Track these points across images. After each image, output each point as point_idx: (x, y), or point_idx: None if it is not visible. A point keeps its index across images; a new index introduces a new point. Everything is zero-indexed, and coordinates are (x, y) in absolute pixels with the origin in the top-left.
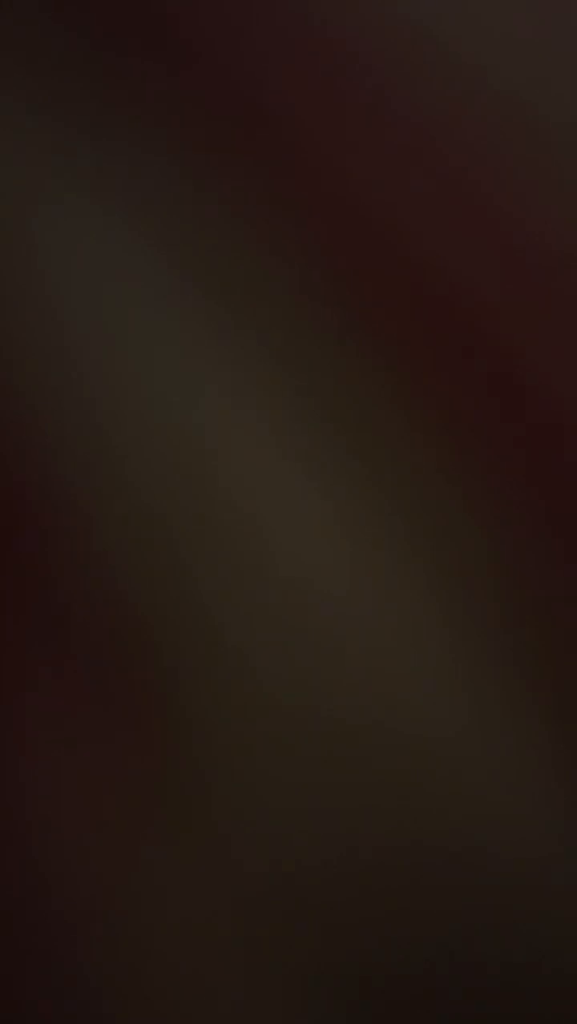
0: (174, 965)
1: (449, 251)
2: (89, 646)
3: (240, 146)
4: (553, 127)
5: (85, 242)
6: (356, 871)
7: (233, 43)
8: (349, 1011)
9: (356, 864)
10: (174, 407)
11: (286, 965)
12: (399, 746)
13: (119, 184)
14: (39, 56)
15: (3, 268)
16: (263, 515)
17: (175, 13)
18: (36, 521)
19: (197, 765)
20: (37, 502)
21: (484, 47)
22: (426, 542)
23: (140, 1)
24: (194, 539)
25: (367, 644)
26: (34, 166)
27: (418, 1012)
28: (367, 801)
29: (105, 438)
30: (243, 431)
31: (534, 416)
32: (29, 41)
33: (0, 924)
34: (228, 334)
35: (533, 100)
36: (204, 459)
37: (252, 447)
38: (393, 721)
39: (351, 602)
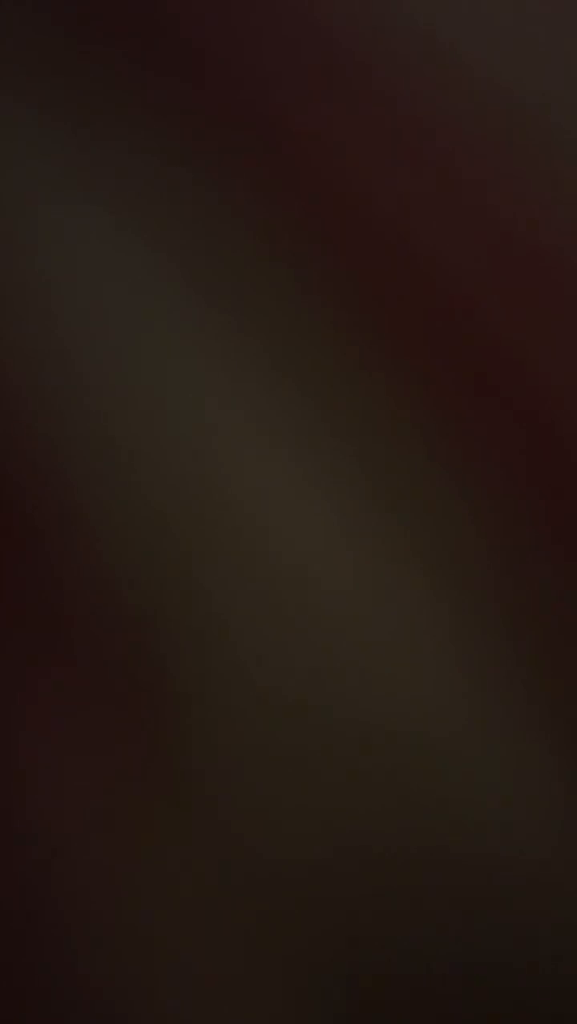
0: (176, 962)
1: (452, 252)
2: (92, 649)
3: (241, 146)
4: (553, 127)
5: (87, 244)
6: (356, 868)
7: (234, 43)
8: (349, 1006)
9: (355, 861)
10: (176, 410)
11: (287, 962)
12: (400, 745)
13: (120, 185)
14: (39, 56)
15: (3, 270)
16: (265, 517)
17: (175, 13)
18: (39, 525)
19: (199, 766)
20: (40, 506)
21: (485, 48)
22: (427, 542)
23: (140, 1)
24: (197, 542)
25: (369, 645)
26: (34, 166)
27: (418, 1005)
28: (367, 799)
29: (108, 441)
30: (245, 433)
31: (536, 417)
32: (29, 41)
33: (2, 923)
34: (231, 336)
35: (533, 100)
36: (206, 462)
37: (253, 448)
38: (394, 720)
39: (354, 604)
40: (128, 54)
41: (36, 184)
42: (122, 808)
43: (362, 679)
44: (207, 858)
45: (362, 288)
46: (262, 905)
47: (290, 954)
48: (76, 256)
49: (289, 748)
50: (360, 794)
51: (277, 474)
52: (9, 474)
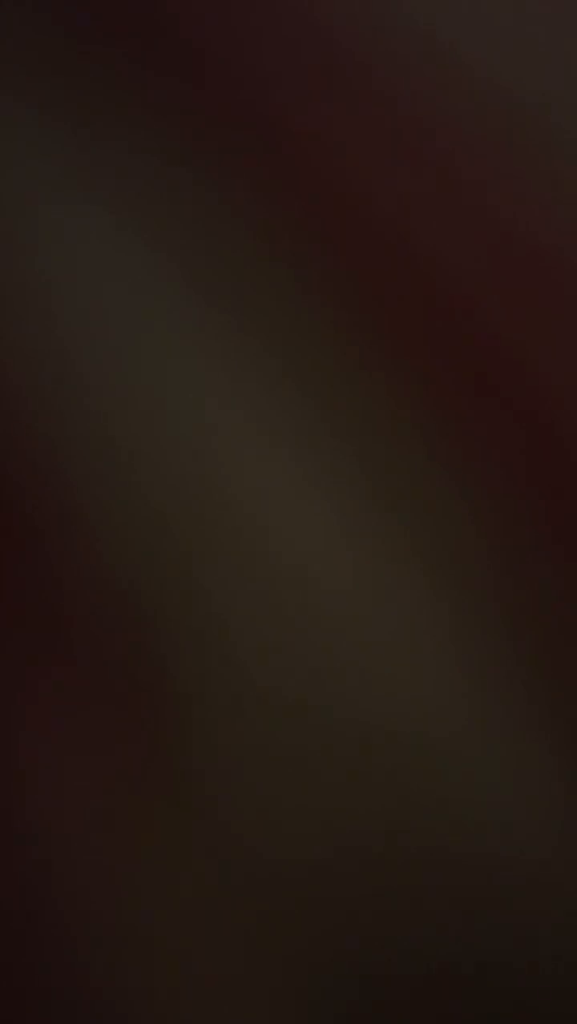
0: (176, 962)
1: (452, 252)
2: (92, 649)
3: (241, 146)
4: (553, 127)
5: (87, 244)
6: (356, 868)
7: (234, 43)
8: (349, 1006)
9: (355, 861)
10: (176, 410)
11: (287, 962)
12: (400, 745)
13: (120, 185)
14: (39, 56)
15: (3, 271)
16: (265, 517)
17: (175, 13)
18: (39, 525)
19: (199, 766)
20: (40, 506)
21: (485, 48)
22: (427, 542)
23: (140, 1)
24: (197, 542)
25: (369, 645)
26: (34, 166)
27: (418, 1005)
28: (367, 799)
29: (108, 441)
30: (245, 433)
31: (536, 417)
32: (29, 41)
33: (2, 923)
34: (231, 336)
35: (533, 100)
36: (206, 462)
37: (253, 448)
38: (394, 720)
39: (354, 604)
40: (128, 54)
41: (36, 184)
42: (122, 808)
43: (362, 679)
44: (207, 858)
45: (362, 288)
46: (262, 905)
47: (290, 954)
48: (76, 256)
49: (289, 748)
50: (360, 794)
51: (277, 474)
52: (9, 474)
